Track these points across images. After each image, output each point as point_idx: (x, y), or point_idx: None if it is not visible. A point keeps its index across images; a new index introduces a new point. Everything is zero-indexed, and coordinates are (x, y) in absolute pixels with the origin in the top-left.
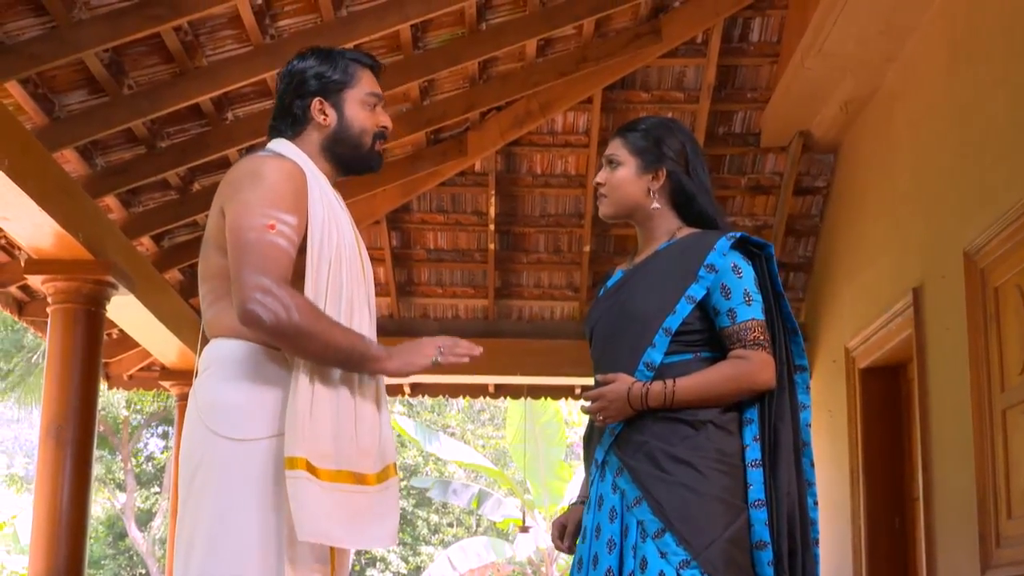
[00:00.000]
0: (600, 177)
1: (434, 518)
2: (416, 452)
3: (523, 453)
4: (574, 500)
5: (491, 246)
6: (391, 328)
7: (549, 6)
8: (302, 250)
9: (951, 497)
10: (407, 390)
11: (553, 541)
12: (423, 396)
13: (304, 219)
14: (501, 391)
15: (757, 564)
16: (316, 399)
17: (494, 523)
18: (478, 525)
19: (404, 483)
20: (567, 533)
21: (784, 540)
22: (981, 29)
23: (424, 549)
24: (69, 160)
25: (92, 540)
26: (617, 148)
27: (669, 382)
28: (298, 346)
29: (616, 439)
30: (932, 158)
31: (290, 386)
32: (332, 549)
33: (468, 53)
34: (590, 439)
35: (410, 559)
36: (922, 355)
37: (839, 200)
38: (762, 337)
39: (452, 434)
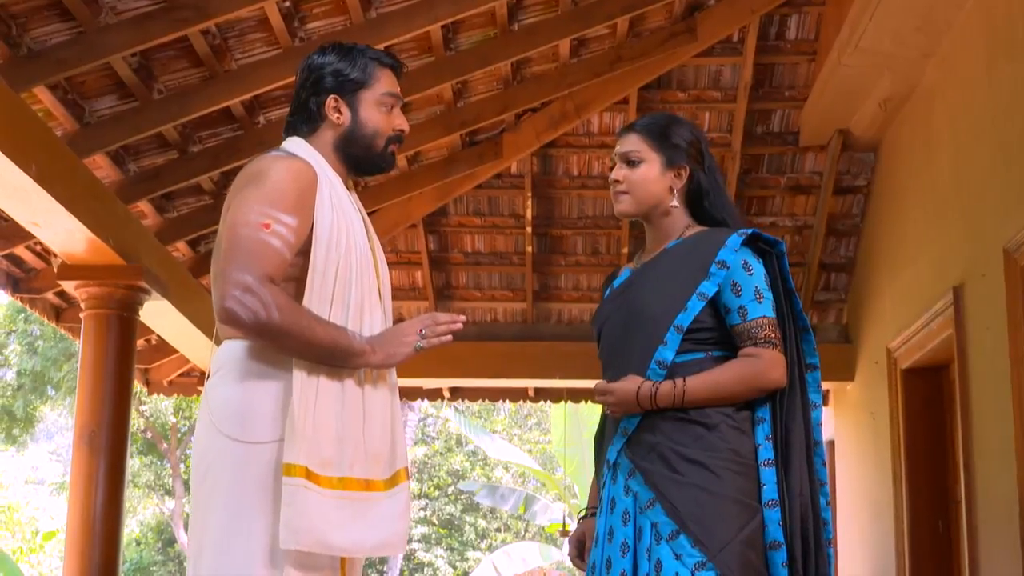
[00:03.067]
0: (618, 175)
1: (481, 523)
2: (464, 457)
3: (565, 457)
4: (583, 513)
5: (529, 249)
6: None
7: (581, 5)
8: (306, 252)
9: (993, 500)
10: (447, 395)
11: (572, 561)
12: (463, 400)
13: (307, 221)
14: (541, 395)
15: (771, 565)
16: (320, 404)
17: (543, 528)
18: (526, 530)
19: (451, 488)
20: (587, 549)
21: (797, 540)
22: (1019, 23)
23: (471, 554)
24: (101, 166)
25: (142, 546)
26: (636, 144)
27: (679, 381)
28: (278, 344)
29: (628, 440)
30: (972, 155)
31: (292, 390)
32: (342, 558)
33: (500, 54)
34: (602, 438)
35: (457, 564)
36: (963, 355)
37: (880, 199)
38: (773, 335)
39: (500, 439)
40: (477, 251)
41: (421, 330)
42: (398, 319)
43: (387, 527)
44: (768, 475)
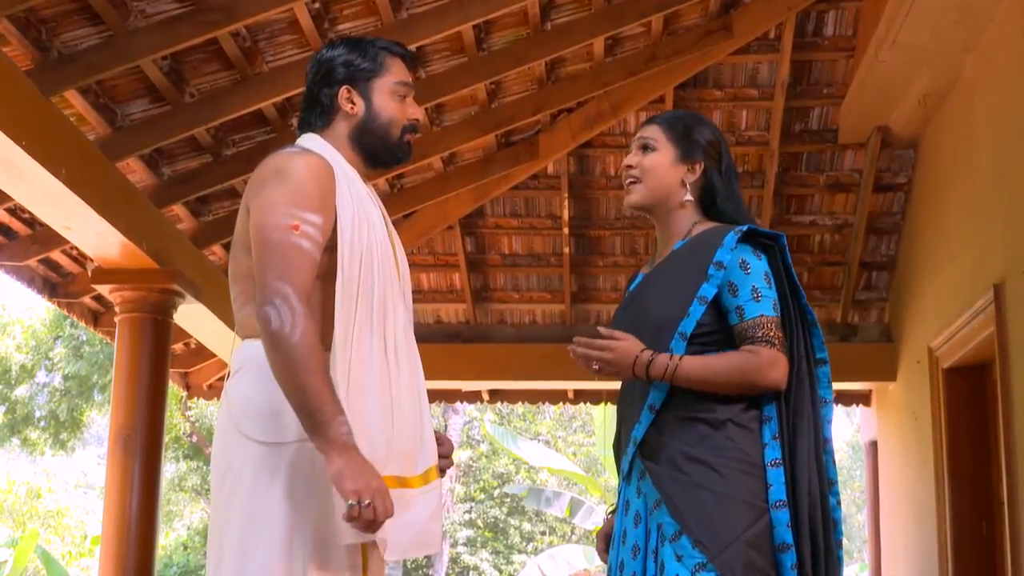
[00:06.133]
0: (631, 159)
1: (527, 526)
2: (507, 460)
3: (607, 459)
4: (611, 509)
5: (566, 250)
6: (468, 335)
7: (615, 3)
8: (332, 248)
9: None
10: (486, 397)
11: (600, 555)
12: (502, 402)
13: (331, 217)
14: (580, 397)
15: (780, 567)
16: (351, 403)
17: (589, 531)
18: (572, 533)
19: (497, 491)
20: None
21: (806, 542)
22: None
23: (517, 557)
24: (135, 170)
25: (188, 550)
26: (654, 132)
27: (675, 357)
28: (277, 363)
29: (641, 443)
30: (1012, 150)
31: None
32: (364, 556)
33: (534, 54)
34: (619, 445)
35: (503, 567)
36: (1004, 353)
37: (921, 196)
38: (771, 334)
39: (546, 442)
40: (514, 252)
41: (368, 500)
42: (436, 320)
43: (422, 526)
44: (775, 475)
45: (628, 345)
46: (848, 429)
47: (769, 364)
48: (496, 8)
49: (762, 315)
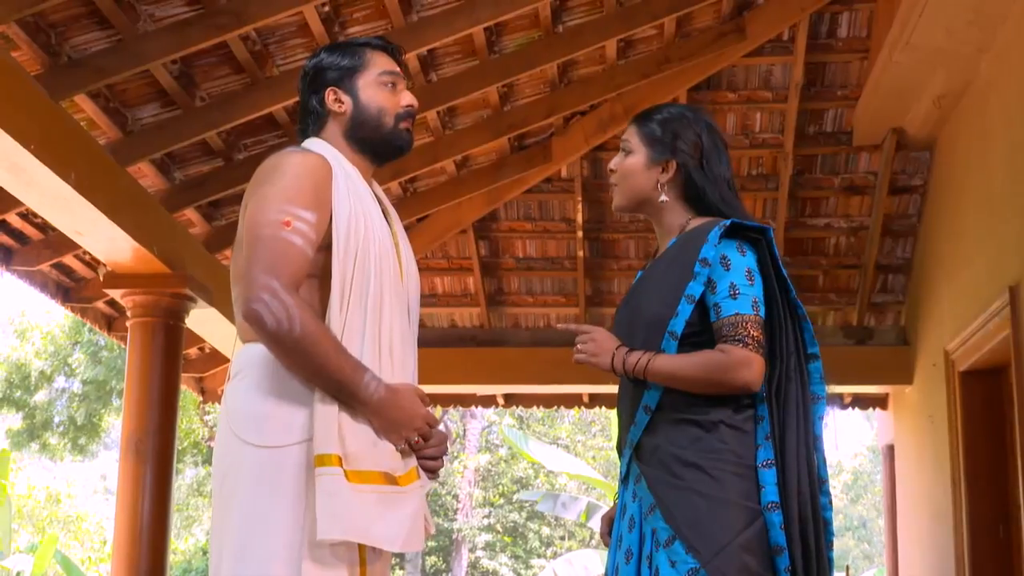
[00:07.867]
0: (613, 163)
1: (546, 531)
2: (527, 464)
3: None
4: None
5: (580, 253)
6: (483, 339)
7: (627, 6)
8: (327, 247)
9: None
10: (500, 401)
11: (603, 538)
12: (516, 406)
13: (326, 214)
14: (596, 401)
15: (776, 571)
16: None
17: None
18: (591, 538)
19: (516, 495)
20: None
21: (797, 544)
22: None
23: (536, 562)
24: (146, 174)
25: (207, 555)
26: (631, 135)
27: (649, 354)
28: (290, 359)
29: (636, 447)
30: None
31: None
32: (362, 556)
33: (545, 56)
34: (621, 448)
35: (522, 572)
36: (1020, 356)
37: (937, 198)
38: (745, 332)
39: (565, 447)
40: (528, 256)
41: (417, 436)
42: (450, 324)
43: (412, 522)
44: (767, 476)
45: (607, 336)
46: (869, 433)
47: (739, 364)
48: (507, 11)
49: (737, 313)
